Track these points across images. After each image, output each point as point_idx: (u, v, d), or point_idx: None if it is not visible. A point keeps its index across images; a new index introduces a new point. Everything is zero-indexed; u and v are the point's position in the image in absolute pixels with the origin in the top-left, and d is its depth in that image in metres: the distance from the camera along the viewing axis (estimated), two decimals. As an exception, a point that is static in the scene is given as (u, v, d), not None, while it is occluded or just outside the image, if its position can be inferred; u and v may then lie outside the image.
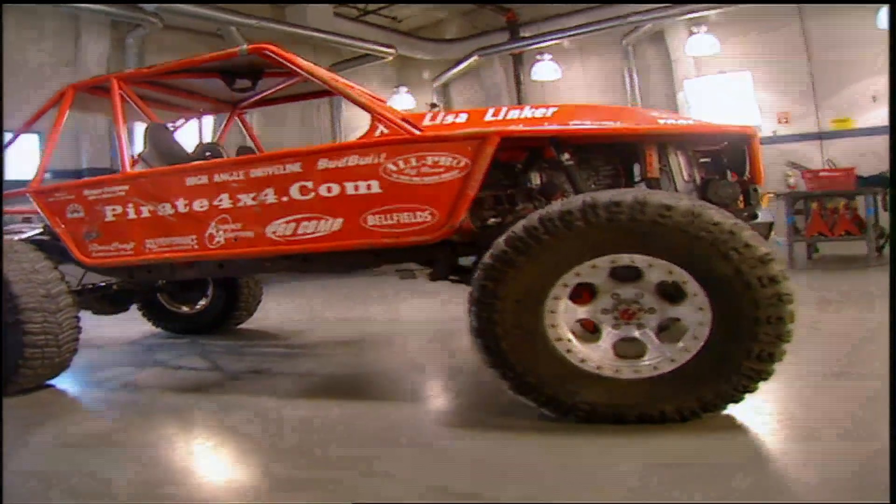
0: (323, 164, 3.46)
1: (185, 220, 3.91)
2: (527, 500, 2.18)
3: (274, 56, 3.82)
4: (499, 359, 2.79)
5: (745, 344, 2.51)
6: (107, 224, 4.16)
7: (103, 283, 4.91)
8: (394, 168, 3.28)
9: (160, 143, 4.64)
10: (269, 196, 3.61)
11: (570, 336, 2.77)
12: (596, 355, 2.75)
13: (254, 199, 3.65)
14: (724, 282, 2.50)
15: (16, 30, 11.85)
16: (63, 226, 4.34)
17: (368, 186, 3.36)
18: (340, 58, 15.57)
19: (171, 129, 5.31)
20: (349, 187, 3.40)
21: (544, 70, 15.38)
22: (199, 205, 3.84)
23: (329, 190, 3.46)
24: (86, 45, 12.44)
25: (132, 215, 4.07)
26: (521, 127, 3.29)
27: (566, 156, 3.24)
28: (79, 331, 4.11)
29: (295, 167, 3.54)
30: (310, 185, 3.51)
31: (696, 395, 2.60)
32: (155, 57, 11.94)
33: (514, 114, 3.38)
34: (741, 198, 3.33)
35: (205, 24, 13.10)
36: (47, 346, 3.87)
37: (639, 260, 2.62)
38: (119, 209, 4.10)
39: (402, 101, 16.32)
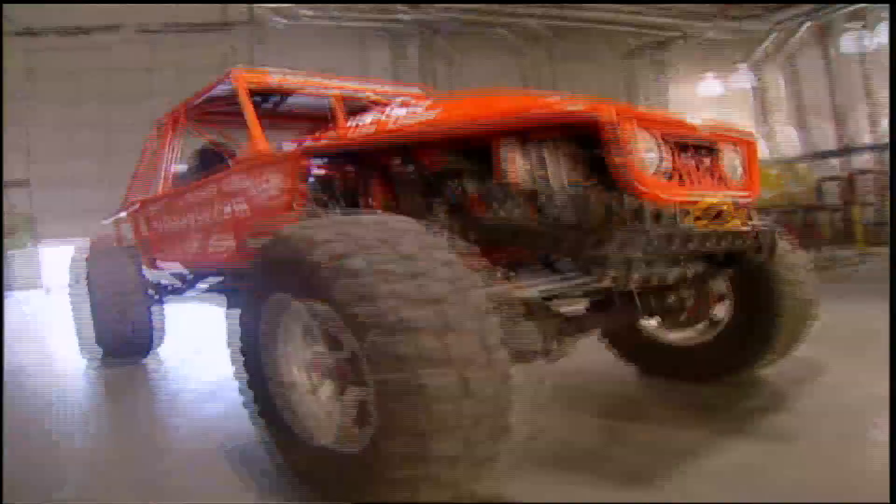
0: (225, 186, 3.46)
1: (185, 233, 4.14)
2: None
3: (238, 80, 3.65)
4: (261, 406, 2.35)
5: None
6: (159, 234, 4.61)
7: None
8: (254, 190, 3.14)
9: (205, 163, 4.82)
10: (208, 214, 3.73)
11: (304, 384, 2.20)
12: (321, 413, 2.14)
13: (203, 215, 3.82)
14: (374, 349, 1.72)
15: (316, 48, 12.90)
16: (141, 233, 4.88)
17: (243, 208, 3.27)
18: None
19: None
20: (236, 208, 3.34)
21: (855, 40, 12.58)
22: (186, 220, 4.09)
23: (227, 210, 3.45)
24: (370, 57, 13.46)
25: (166, 226, 4.46)
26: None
27: (398, 162, 2.77)
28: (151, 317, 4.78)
29: (214, 189, 3.60)
30: (221, 205, 3.52)
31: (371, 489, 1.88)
32: (433, 63, 13.32)
33: (397, 112, 2.75)
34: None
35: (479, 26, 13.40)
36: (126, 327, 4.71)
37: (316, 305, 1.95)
38: (162, 221, 4.54)
39: (708, 88, 15.53)
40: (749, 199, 2.64)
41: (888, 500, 1.82)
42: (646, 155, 2.17)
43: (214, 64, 13.34)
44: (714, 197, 2.43)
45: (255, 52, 13.91)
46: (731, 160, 2.61)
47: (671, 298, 2.97)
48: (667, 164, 2.29)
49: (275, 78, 3.80)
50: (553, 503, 2.08)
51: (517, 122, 2.30)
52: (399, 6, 13.03)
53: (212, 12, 13.45)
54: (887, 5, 10.43)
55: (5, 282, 14.55)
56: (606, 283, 2.15)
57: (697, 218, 2.36)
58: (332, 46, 13.69)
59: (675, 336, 3.31)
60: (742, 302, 3.06)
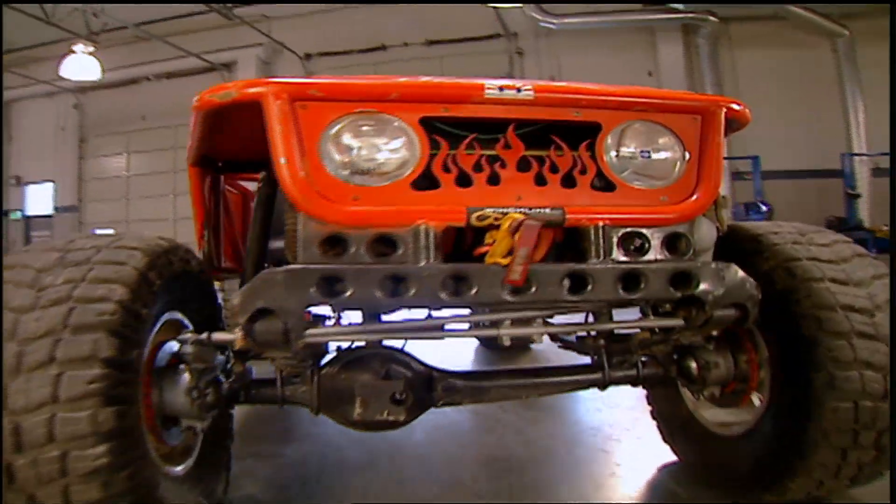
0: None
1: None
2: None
3: None
4: None
5: None
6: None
7: None
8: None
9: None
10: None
11: None
12: None
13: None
14: None
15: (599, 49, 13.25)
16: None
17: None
18: None
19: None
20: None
21: None
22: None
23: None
24: (661, 53, 13.20)
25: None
26: None
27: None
28: None
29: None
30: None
31: None
32: (726, 52, 12.52)
33: None
34: None
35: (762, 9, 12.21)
36: None
37: None
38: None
39: None
40: (673, 217, 1.73)
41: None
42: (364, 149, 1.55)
43: (502, 70, 13.68)
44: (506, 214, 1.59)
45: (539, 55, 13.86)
46: (639, 146, 1.75)
47: (690, 362, 2.13)
48: (414, 162, 1.59)
49: None
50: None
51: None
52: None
53: (491, 25, 13.74)
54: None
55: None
56: (240, 342, 1.52)
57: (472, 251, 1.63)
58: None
59: (711, 416, 2.33)
60: (776, 383, 2.01)
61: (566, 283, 1.60)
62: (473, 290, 1.53)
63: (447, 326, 1.89)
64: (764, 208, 11.21)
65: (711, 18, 12.27)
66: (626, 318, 2.09)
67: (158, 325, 1.80)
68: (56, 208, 17.57)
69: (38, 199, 17.83)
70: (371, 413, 1.89)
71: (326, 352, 2.02)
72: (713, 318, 1.71)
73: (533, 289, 1.56)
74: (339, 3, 13.94)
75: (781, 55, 12.08)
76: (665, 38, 13.07)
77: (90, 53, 13.04)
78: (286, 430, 3.00)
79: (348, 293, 1.49)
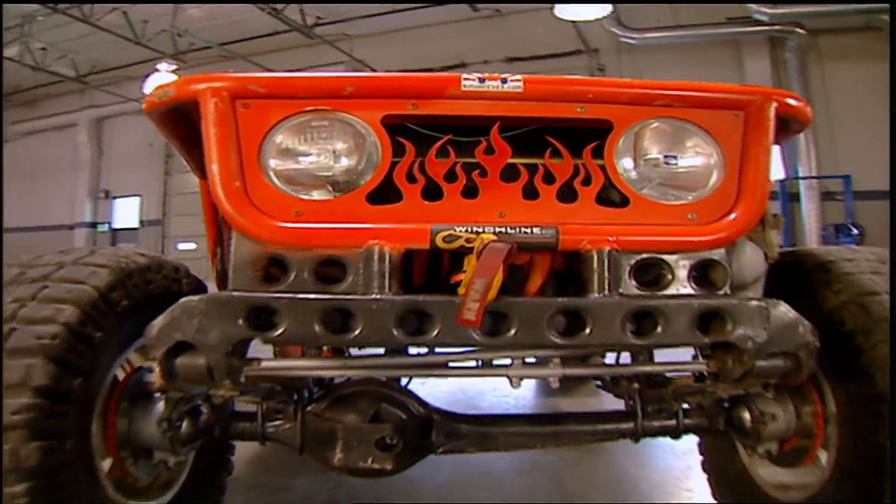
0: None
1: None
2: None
3: None
4: None
5: None
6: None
7: None
8: None
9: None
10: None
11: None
12: None
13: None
14: None
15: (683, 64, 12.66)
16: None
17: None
18: None
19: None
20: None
21: None
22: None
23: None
24: (748, 68, 12.65)
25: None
26: None
27: None
28: None
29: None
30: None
31: None
32: (816, 65, 11.95)
33: None
34: None
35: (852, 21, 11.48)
36: None
37: None
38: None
39: None
40: (704, 241, 1.41)
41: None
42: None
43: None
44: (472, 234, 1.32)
45: (621, 72, 13.53)
46: (662, 150, 1.45)
47: (742, 412, 1.78)
48: (371, 170, 1.37)
49: None
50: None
51: None
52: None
53: (572, 41, 13.52)
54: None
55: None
56: (158, 379, 1.34)
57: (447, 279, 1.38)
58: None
59: (768, 476, 2.00)
60: (844, 444, 1.66)
61: (558, 322, 1.32)
62: (435, 330, 1.28)
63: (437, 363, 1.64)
64: (855, 231, 10.54)
65: (799, 31, 11.63)
66: (671, 361, 1.79)
67: (131, 350, 1.66)
68: (142, 221, 18.26)
69: (126, 213, 18.60)
70: (353, 459, 1.64)
71: (311, 385, 1.82)
72: (754, 369, 1.40)
73: (512, 331, 1.29)
74: (411, 4, 13.78)
75: (874, 68, 11.27)
76: (751, 52, 12.52)
77: (172, 72, 13.56)
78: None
79: (282, 328, 1.28)
